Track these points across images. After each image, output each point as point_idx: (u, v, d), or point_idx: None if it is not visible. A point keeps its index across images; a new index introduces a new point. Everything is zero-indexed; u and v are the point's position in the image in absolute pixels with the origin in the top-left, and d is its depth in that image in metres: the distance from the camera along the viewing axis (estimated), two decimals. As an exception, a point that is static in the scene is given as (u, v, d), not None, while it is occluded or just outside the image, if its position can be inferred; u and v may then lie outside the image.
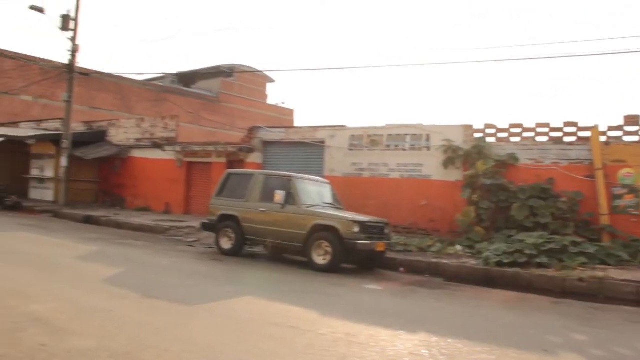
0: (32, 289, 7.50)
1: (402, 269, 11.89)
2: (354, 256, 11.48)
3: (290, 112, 66.84)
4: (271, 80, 63.12)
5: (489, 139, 15.11)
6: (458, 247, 13.22)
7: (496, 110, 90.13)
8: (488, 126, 15.23)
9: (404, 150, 16.21)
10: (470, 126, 15.36)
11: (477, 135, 15.26)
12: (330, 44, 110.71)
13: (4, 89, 41.23)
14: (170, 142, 22.51)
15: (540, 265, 11.03)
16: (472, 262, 11.81)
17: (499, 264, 11.23)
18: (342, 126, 17.86)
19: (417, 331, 6.54)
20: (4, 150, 26.47)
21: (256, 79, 60.99)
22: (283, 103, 66.08)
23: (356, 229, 10.98)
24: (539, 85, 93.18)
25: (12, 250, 11.31)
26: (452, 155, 15.18)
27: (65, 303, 6.85)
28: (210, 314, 6.82)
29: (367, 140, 16.92)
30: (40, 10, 21.95)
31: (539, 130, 14.59)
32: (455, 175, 15.18)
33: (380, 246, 11.44)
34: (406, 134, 16.26)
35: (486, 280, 10.90)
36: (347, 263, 11.71)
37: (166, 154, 22.45)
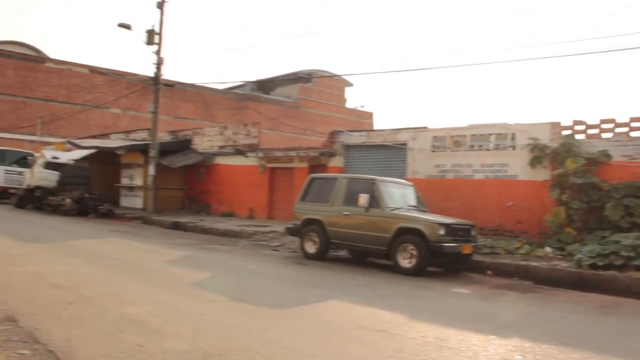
0: (128, 293, 7.82)
1: (489, 272, 11.60)
2: (440, 259, 11.32)
3: (369, 115, 66.77)
4: (349, 84, 63.29)
5: (578, 136, 14.47)
6: (548, 249, 12.76)
7: (584, 106, 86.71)
8: (577, 122, 14.59)
9: (488, 150, 15.80)
10: (558, 123, 14.78)
11: (565, 132, 14.66)
12: (408, 44, 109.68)
13: (95, 103, 43.40)
14: (253, 148, 22.94)
15: (639, 268, 10.47)
16: (563, 264, 11.37)
17: (593, 266, 10.74)
18: (424, 127, 17.63)
19: (509, 336, 6.34)
20: (97, 161, 27.86)
21: (334, 84, 61.34)
22: (362, 106, 66.16)
23: (442, 232, 10.80)
24: (630, 78, 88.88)
25: (107, 255, 11.82)
26: (539, 154, 14.65)
27: (158, 306, 7.09)
28: (298, 318, 6.87)
29: (450, 141, 16.61)
30: (127, 27, 22.95)
31: (633, 125, 13.81)
32: (542, 174, 14.65)
33: (466, 249, 11.20)
34: (490, 134, 15.84)
35: (579, 283, 10.41)
36: (432, 266, 11.54)
37: (249, 160, 22.90)
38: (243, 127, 24.40)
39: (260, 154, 22.29)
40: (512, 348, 5.85)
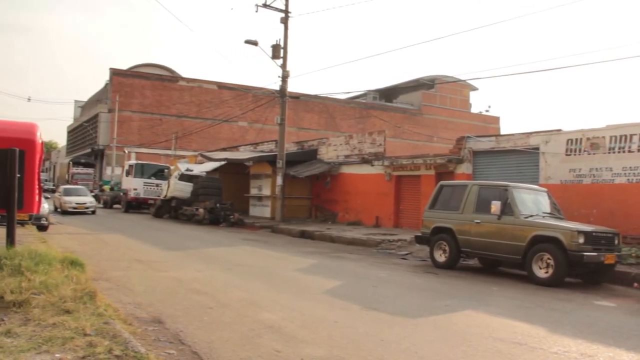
0: (262, 299, 8.08)
1: (636, 284, 10.79)
2: (579, 269, 10.67)
3: (495, 120, 64.88)
4: (474, 88, 61.85)
5: None
6: None
7: None
8: None
9: (631, 151, 14.71)
10: None
11: None
12: (534, 44, 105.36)
13: (224, 117, 45.46)
14: (378, 156, 22.96)
15: None
16: None
17: None
18: (557, 130, 16.77)
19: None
20: (227, 172, 29.14)
21: (458, 89, 60.18)
22: (487, 110, 64.36)
23: (581, 240, 10.20)
24: None
25: (240, 262, 12.31)
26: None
27: (292, 312, 7.27)
28: (433, 327, 6.76)
29: (587, 143, 15.65)
30: (254, 43, 23.87)
31: None
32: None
33: (609, 258, 10.49)
34: (632, 134, 14.76)
35: None
36: (570, 276, 10.92)
37: (374, 169, 22.94)
38: (368, 136, 24.51)
39: (387, 162, 22.25)
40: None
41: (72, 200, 27.87)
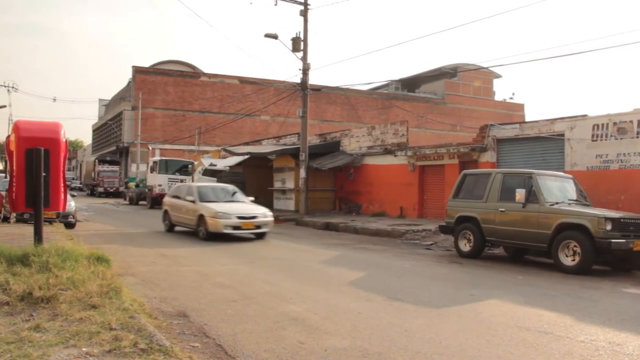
0: (286, 291, 8.12)
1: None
2: (607, 256, 10.52)
3: (520, 107, 64.20)
4: (497, 76, 61.17)
5: None
6: None
7: None
8: None
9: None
10: None
11: None
12: (557, 28, 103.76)
13: (246, 112, 45.60)
14: (401, 147, 22.85)
15: None
16: None
17: None
18: (583, 116, 16.50)
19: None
20: (250, 166, 29.27)
21: (480, 76, 59.59)
22: (512, 98, 63.77)
23: (609, 227, 10.05)
24: None
25: (264, 255, 12.38)
26: None
27: (316, 304, 7.29)
28: (457, 317, 6.73)
29: (613, 128, 15.37)
30: (274, 36, 23.85)
31: None
32: None
33: (638, 245, 10.31)
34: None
35: None
36: (598, 264, 10.75)
37: (397, 159, 22.85)
38: (391, 126, 24.40)
39: (409, 152, 22.13)
40: None
41: (228, 213, 14.99)
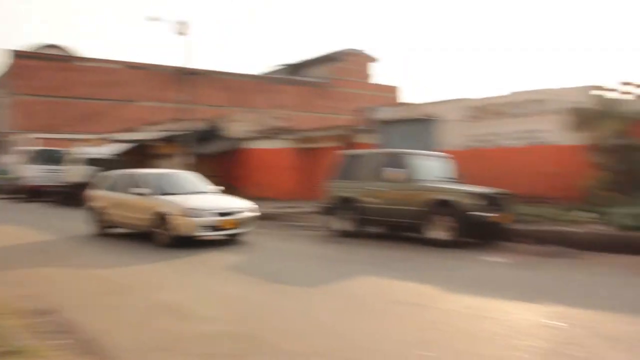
0: (162, 280, 7.91)
1: (527, 240, 11.34)
2: (475, 229, 11.01)
3: (401, 91, 66.20)
4: (375, 60, 62.70)
5: (622, 97, 14.00)
6: (586, 214, 12.37)
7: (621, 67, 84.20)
8: (616, 84, 14.18)
9: (523, 117, 15.41)
10: (595, 86, 14.32)
11: (602, 94, 14.18)
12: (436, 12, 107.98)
13: (129, 98, 44.06)
14: (283, 131, 22.91)
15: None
16: (602, 228, 11.04)
17: (632, 227, 10.40)
18: (456, 99, 17.32)
19: (547, 303, 6.24)
20: (135, 153, 28.27)
21: (361, 60, 60.90)
22: (393, 82, 65.59)
23: (475, 201, 10.63)
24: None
25: (146, 246, 11.85)
26: (576, 118, 14.23)
27: (193, 291, 7.21)
28: (332, 295, 6.88)
29: (484, 110, 16.28)
30: (156, 19, 23.14)
31: None
32: (580, 138, 14.22)
33: (501, 218, 10.99)
34: (524, 100, 15.45)
35: (620, 246, 10.08)
36: (468, 237, 11.24)
37: (281, 143, 22.92)
38: (275, 111, 24.42)
39: (291, 136, 22.24)
40: (553, 314, 5.76)
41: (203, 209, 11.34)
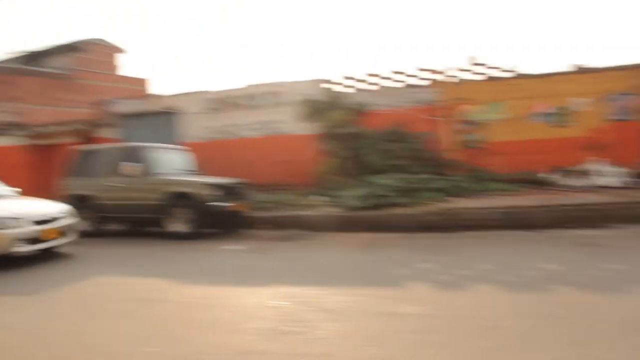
0: None
1: (266, 226, 11.87)
2: (214, 220, 11.17)
3: (149, 83, 64.60)
4: (122, 51, 60.42)
5: (346, 90, 15.43)
6: (320, 198, 13.38)
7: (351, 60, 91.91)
8: (343, 78, 15.58)
9: (260, 109, 16.12)
10: (324, 79, 15.56)
11: (331, 87, 15.48)
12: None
13: None
14: (16, 126, 20.94)
15: (398, 205, 11.43)
16: (334, 210, 12.01)
17: (359, 208, 11.50)
18: (196, 91, 17.45)
19: (276, 284, 6.58)
20: None
21: (107, 51, 58.20)
22: (141, 74, 63.77)
23: (212, 192, 10.81)
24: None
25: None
26: (307, 109, 15.29)
27: None
28: (59, 301, 6.43)
29: (224, 103, 16.68)
30: None
31: (397, 77, 15.24)
32: (312, 128, 15.33)
33: (240, 206, 11.34)
34: (262, 93, 16.20)
35: (349, 225, 11.11)
36: (209, 227, 11.37)
37: (12, 140, 20.88)
38: (4, 104, 22.15)
39: (25, 132, 20.42)
40: (278, 295, 6.08)
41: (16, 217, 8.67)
